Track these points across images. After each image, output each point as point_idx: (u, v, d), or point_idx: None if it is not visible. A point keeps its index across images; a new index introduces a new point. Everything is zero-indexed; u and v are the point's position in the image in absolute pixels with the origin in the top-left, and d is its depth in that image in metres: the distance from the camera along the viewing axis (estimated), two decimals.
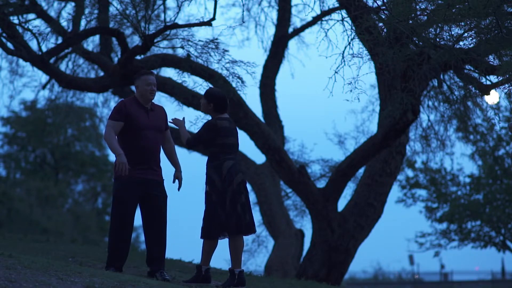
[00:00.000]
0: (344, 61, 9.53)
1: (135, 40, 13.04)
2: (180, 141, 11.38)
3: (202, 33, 44.63)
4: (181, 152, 13.32)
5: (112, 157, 7.72)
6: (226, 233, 6.44)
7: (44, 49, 10.42)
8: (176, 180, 6.80)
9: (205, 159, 6.74)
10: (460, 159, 27.16)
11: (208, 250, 6.55)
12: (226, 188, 6.43)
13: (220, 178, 6.44)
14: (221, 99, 6.61)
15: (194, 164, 6.78)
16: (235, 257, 6.45)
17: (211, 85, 10.53)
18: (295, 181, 11.91)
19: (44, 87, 14.49)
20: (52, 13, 12.55)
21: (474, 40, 8.28)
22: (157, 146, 6.72)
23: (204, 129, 6.56)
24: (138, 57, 10.62)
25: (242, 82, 10.16)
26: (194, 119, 10.33)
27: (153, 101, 6.81)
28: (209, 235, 6.46)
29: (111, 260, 6.60)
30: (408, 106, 10.27)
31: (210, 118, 6.73)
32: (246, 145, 12.53)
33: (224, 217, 6.39)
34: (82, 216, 33.43)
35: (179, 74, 10.66)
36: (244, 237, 6.58)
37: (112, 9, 11.08)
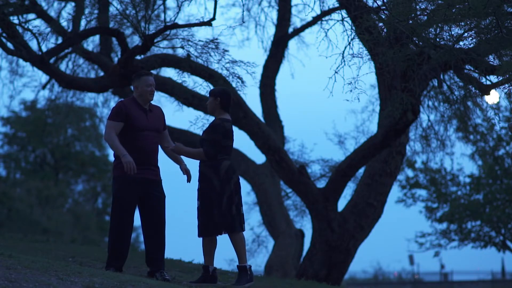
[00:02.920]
0: (344, 61, 9.53)
1: (135, 40, 13.04)
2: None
3: (202, 33, 44.65)
4: None
5: (112, 157, 7.65)
6: (222, 230, 6.45)
7: (44, 49, 10.42)
8: (185, 173, 6.78)
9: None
10: (460, 159, 27.15)
11: (208, 249, 6.56)
12: (224, 187, 6.45)
13: (218, 177, 6.47)
14: (227, 94, 6.67)
15: (192, 163, 6.73)
16: (240, 253, 6.49)
17: (211, 85, 10.53)
18: (295, 181, 11.91)
19: (44, 87, 14.50)
20: (52, 13, 12.57)
21: (474, 40, 8.28)
22: (156, 147, 6.74)
23: (214, 132, 6.52)
24: (138, 57, 10.62)
25: (242, 82, 10.16)
26: (194, 119, 10.33)
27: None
28: (206, 233, 6.48)
29: (111, 260, 6.60)
30: (408, 106, 10.27)
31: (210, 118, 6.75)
32: (246, 145, 12.54)
33: (218, 216, 6.41)
34: (82, 216, 33.42)
35: (179, 74, 10.66)
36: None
37: (112, 9, 11.09)
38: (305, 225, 15.58)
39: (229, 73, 10.14)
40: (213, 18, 9.90)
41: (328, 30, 10.55)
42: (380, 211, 12.49)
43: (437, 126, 13.58)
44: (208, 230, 6.47)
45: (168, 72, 18.84)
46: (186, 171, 6.77)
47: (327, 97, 9.34)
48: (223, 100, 6.63)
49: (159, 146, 6.84)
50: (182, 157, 6.82)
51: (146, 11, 9.68)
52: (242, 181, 11.17)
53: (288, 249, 13.66)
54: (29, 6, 10.76)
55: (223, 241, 6.67)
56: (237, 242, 6.49)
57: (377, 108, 12.49)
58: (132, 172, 6.40)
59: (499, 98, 10.65)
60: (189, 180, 6.75)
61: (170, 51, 11.27)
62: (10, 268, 5.04)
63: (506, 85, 8.71)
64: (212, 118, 10.71)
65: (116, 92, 13.96)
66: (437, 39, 8.49)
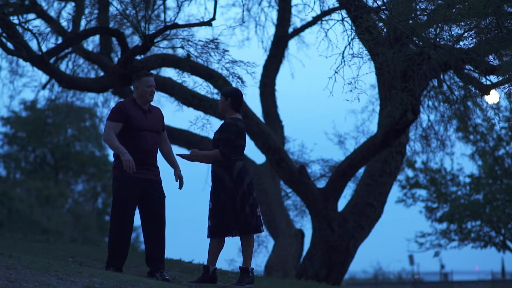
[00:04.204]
0: (344, 61, 9.53)
1: (135, 40, 13.05)
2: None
3: (202, 33, 44.63)
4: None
5: (112, 157, 7.63)
6: (234, 231, 6.44)
7: (44, 49, 10.42)
8: (178, 179, 6.80)
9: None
10: (460, 159, 27.15)
11: (215, 250, 6.55)
12: (237, 188, 6.44)
13: (231, 178, 6.45)
14: (238, 94, 6.69)
15: (191, 163, 6.72)
16: (247, 255, 6.48)
17: (211, 85, 10.53)
18: (295, 181, 11.91)
19: (44, 87, 14.50)
20: (52, 13, 12.57)
21: (474, 40, 8.28)
22: (155, 147, 6.74)
23: (227, 131, 6.54)
24: (138, 57, 10.62)
25: (242, 82, 10.16)
26: (194, 119, 10.32)
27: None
28: (215, 234, 6.46)
29: (111, 260, 6.60)
30: (408, 106, 10.27)
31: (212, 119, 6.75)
32: (246, 145, 12.51)
33: (232, 216, 6.40)
34: (82, 216, 33.42)
35: (179, 74, 10.66)
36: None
37: (112, 9, 11.09)
38: (305, 225, 15.60)
39: (229, 73, 10.15)
40: (213, 18, 9.91)
41: (328, 30, 10.56)
42: (380, 211, 12.49)
43: (437, 126, 13.59)
44: (219, 231, 6.45)
45: (168, 72, 18.86)
46: (179, 177, 6.77)
47: (327, 97, 9.34)
48: (234, 100, 6.64)
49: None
50: (183, 161, 6.79)
51: (146, 11, 9.69)
52: None
53: (288, 249, 13.67)
54: (29, 6, 10.76)
55: (228, 241, 6.65)
56: (246, 243, 6.49)
57: (377, 108, 12.51)
58: (131, 171, 6.40)
59: (499, 98, 10.65)
60: (180, 187, 6.75)
61: (170, 51, 11.28)
62: (10, 268, 5.04)
63: (506, 85, 8.71)
64: (212, 118, 10.75)
65: (116, 92, 13.96)
66: (437, 39, 8.49)
